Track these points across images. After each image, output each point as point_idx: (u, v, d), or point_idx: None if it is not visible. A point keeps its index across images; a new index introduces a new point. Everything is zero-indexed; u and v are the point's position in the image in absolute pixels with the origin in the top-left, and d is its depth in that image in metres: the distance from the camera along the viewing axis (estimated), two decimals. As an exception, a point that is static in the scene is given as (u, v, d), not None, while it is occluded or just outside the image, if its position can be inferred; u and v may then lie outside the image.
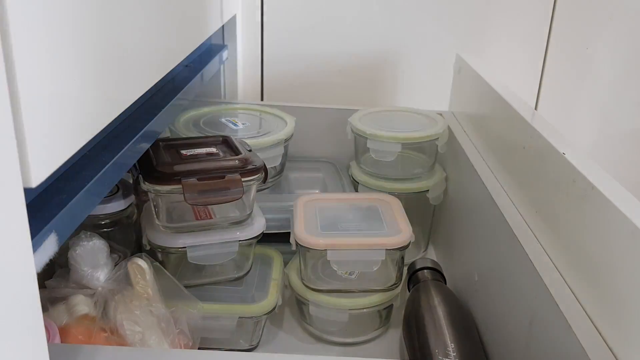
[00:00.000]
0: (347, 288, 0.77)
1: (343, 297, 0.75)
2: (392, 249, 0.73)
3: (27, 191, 0.33)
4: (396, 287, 0.77)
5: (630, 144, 1.31)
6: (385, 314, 0.79)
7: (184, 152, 0.71)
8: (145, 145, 0.59)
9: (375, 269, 0.75)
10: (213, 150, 0.73)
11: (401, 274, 0.78)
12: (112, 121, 0.47)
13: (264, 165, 0.71)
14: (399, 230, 0.76)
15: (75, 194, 0.43)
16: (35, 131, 0.34)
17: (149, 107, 0.63)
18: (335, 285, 0.77)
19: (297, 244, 0.74)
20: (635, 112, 1.29)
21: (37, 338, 0.36)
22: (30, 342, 0.35)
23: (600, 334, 0.47)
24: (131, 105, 0.52)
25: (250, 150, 0.75)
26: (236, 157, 0.71)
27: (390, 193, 0.89)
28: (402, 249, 0.74)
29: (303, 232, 0.74)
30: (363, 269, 0.76)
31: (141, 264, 0.63)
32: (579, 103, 1.28)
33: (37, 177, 0.35)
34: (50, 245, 0.39)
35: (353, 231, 0.75)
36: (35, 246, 0.36)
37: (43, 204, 0.41)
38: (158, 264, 0.66)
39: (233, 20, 1.10)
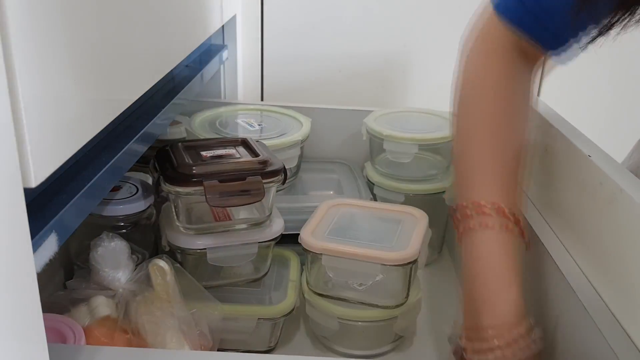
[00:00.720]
0: (343, 296, 0.73)
1: (336, 304, 0.73)
2: (389, 265, 0.69)
3: (27, 191, 0.33)
4: (399, 307, 0.72)
5: (630, 143, 1.31)
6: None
7: (204, 153, 0.71)
8: (146, 146, 0.59)
9: (370, 282, 0.72)
10: (232, 151, 0.73)
11: (408, 294, 0.72)
12: (112, 121, 0.47)
13: (284, 166, 0.71)
14: (406, 247, 0.70)
15: (75, 194, 0.43)
16: (35, 131, 0.34)
17: (149, 107, 0.63)
18: (335, 292, 0.74)
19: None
20: (635, 111, 1.29)
21: (38, 338, 0.36)
22: (31, 342, 0.35)
23: (629, 337, 0.47)
24: (131, 105, 0.52)
25: (268, 152, 0.75)
26: (256, 158, 0.71)
27: (405, 194, 0.89)
28: (401, 266, 0.69)
29: (308, 234, 0.73)
30: (362, 280, 0.72)
31: (162, 265, 0.63)
32: (579, 103, 1.28)
33: (37, 177, 0.35)
34: (50, 245, 0.39)
35: (358, 240, 0.72)
36: (35, 246, 0.36)
37: (43, 204, 0.41)
38: (179, 265, 0.66)
39: (233, 20, 1.10)
